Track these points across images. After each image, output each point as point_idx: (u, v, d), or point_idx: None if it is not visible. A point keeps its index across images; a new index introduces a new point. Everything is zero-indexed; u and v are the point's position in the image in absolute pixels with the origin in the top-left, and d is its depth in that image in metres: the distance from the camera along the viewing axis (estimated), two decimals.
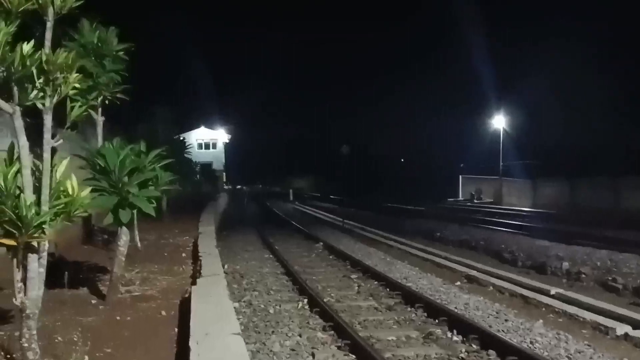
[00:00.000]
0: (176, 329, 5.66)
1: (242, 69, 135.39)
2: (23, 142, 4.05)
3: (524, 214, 28.96)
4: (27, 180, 4.05)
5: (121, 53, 7.13)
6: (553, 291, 9.28)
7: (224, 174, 71.94)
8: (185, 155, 24.47)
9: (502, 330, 7.24)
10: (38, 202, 4.11)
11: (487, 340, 6.59)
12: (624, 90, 40.12)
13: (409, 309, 8.41)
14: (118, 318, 6.08)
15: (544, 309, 8.51)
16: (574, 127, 41.16)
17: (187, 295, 6.71)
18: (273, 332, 7.23)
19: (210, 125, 76.73)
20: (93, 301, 6.81)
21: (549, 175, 35.16)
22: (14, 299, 4.22)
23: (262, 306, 8.65)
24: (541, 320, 7.79)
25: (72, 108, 4.61)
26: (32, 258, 4.21)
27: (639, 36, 40.38)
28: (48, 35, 4.19)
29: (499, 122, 41.00)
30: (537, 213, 29.43)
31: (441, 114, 61.38)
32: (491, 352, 6.33)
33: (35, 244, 4.18)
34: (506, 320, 7.79)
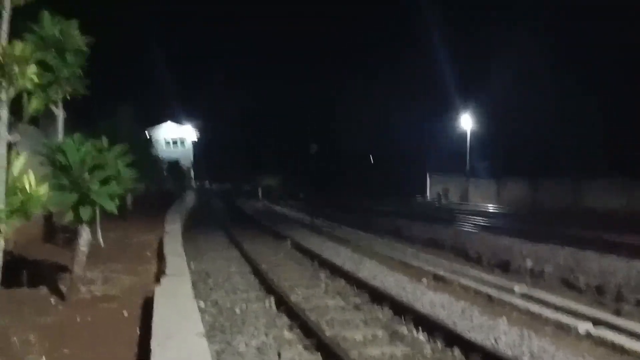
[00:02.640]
0: (139, 331, 5.55)
1: (211, 65, 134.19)
2: None
3: (489, 213, 29.45)
4: None
5: (83, 47, 6.95)
6: (517, 289, 9.42)
7: (192, 171, 71.25)
8: (152, 152, 24.16)
9: (467, 329, 7.31)
10: None
11: (452, 338, 6.64)
12: (586, 94, 41.02)
13: (375, 307, 8.43)
14: (78, 319, 5.92)
15: (507, 307, 8.62)
16: (537, 128, 41.97)
17: (150, 295, 6.59)
18: (239, 331, 7.15)
19: (178, 121, 75.87)
20: (52, 301, 6.62)
21: (513, 175, 35.84)
22: None
23: (228, 305, 8.55)
24: (505, 318, 7.89)
25: (30, 102, 4.48)
26: None
27: (602, 41, 41.14)
28: (4, 26, 4.05)
29: (466, 122, 41.58)
30: (502, 212, 29.95)
31: (409, 112, 61.79)
32: (456, 349, 6.38)
33: None
34: (471, 318, 7.88)
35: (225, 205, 38.90)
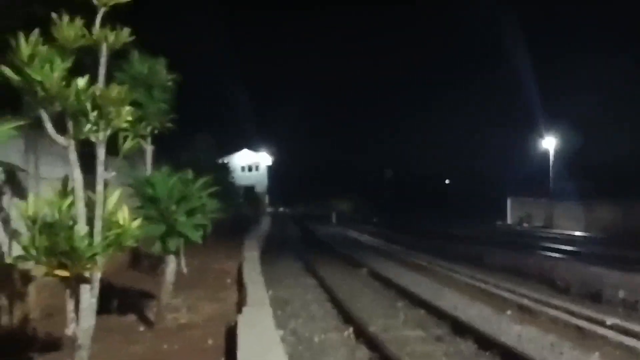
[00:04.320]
0: (223, 359, 5.63)
1: (285, 92, 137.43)
2: (77, 175, 4.14)
3: (577, 238, 28.06)
4: (81, 212, 4.12)
5: (169, 83, 7.27)
6: (609, 321, 8.86)
7: (267, 196, 72.55)
8: (229, 179, 24.79)
9: None
10: (91, 234, 4.17)
11: None
12: None
13: (458, 339, 8.16)
14: (165, 347, 6.09)
15: (599, 340, 8.11)
16: (629, 145, 39.77)
17: (233, 324, 6.69)
18: None
19: (253, 148, 77.75)
20: (140, 329, 6.86)
21: (602, 197, 33.96)
22: (66, 330, 4.27)
23: (307, 335, 8.54)
24: (597, 353, 7.43)
25: (124, 139, 4.70)
26: (84, 289, 4.26)
27: None
28: (102, 70, 4.29)
29: (549, 143, 40.02)
30: (591, 237, 28.48)
31: (488, 134, 60.42)
32: None
33: (87, 274, 4.23)
34: (561, 353, 7.48)
35: (299, 230, 39.22)
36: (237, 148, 73.95)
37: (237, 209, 31.41)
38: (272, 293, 11.59)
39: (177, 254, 6.91)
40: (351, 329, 8.74)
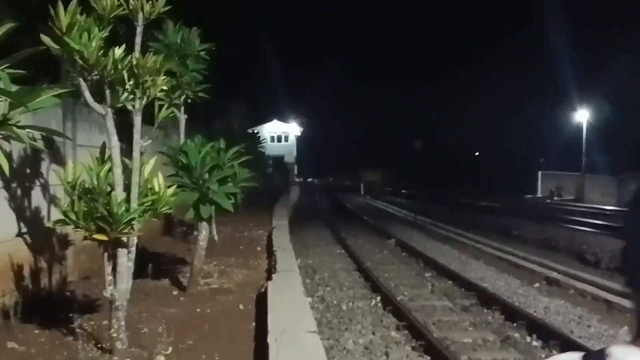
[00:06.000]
0: (254, 324, 5.80)
1: (316, 64, 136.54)
2: (114, 142, 4.26)
3: (608, 212, 27.56)
4: (118, 178, 4.25)
5: (203, 53, 7.34)
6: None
7: (296, 166, 72.79)
8: (259, 149, 24.97)
9: (585, 337, 6.95)
10: (128, 200, 4.31)
11: (569, 347, 6.33)
12: None
13: (485, 310, 8.21)
14: (198, 310, 6.30)
15: (628, 314, 7.97)
16: None
17: (263, 290, 6.86)
18: (346, 329, 7.25)
19: (282, 118, 77.72)
20: (174, 292, 7.08)
21: (635, 171, 33.20)
22: (104, 292, 4.45)
23: (335, 302, 8.69)
24: (626, 327, 7.40)
25: (160, 108, 4.80)
26: (122, 252, 4.43)
27: None
28: (138, 39, 4.37)
29: (582, 115, 39.06)
30: (622, 212, 27.91)
31: (519, 106, 59.25)
32: None
33: (124, 239, 4.39)
34: (589, 326, 7.47)
35: (327, 201, 39.39)
36: (267, 118, 74.02)
37: (266, 178, 31.69)
38: (300, 261, 11.79)
39: (209, 221, 7.06)
40: (378, 298, 8.86)
